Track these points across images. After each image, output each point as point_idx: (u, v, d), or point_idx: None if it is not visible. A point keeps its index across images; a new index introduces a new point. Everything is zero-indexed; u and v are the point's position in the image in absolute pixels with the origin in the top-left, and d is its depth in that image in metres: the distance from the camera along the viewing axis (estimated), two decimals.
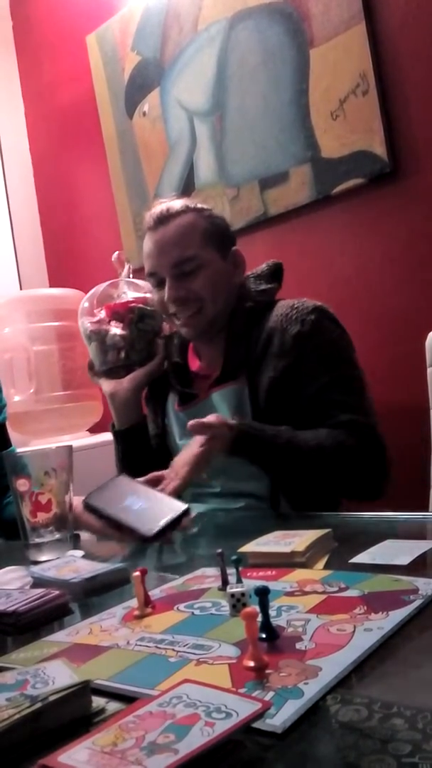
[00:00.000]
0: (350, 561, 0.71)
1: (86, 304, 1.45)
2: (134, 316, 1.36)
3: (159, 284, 1.25)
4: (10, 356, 2.16)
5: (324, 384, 1.15)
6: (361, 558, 0.71)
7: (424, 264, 1.58)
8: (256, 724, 0.39)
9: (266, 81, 1.81)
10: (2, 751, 0.40)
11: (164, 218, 1.24)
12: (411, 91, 1.57)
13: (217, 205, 1.92)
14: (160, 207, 1.26)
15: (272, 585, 0.64)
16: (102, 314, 1.39)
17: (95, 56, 2.30)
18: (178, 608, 0.63)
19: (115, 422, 1.37)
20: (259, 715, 0.39)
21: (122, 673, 0.50)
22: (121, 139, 2.24)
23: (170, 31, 2.04)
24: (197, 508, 1.20)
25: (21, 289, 2.55)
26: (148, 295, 1.39)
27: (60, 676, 0.47)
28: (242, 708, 0.39)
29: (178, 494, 0.99)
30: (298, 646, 0.51)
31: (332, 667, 0.46)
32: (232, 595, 0.59)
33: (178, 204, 1.26)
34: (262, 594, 0.52)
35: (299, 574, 0.68)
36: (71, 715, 0.43)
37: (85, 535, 1.03)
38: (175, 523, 0.92)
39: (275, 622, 0.55)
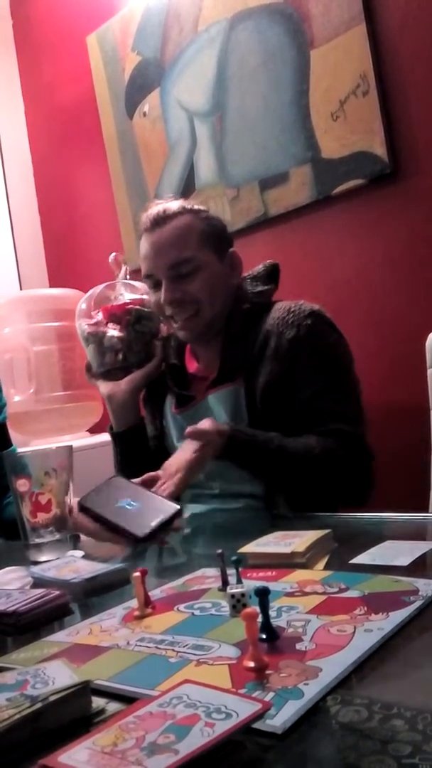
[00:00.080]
0: (350, 562, 0.71)
1: (83, 306, 1.45)
2: (131, 318, 1.36)
3: (156, 286, 1.25)
4: (10, 356, 2.16)
5: (317, 390, 1.15)
6: (362, 559, 0.71)
7: (424, 265, 1.58)
8: (257, 725, 0.39)
9: (266, 81, 1.81)
10: (2, 751, 0.40)
11: (161, 220, 1.23)
12: (411, 91, 1.58)
13: (217, 205, 1.92)
14: (156, 208, 1.26)
15: (272, 585, 0.64)
16: (99, 316, 1.39)
17: (95, 56, 2.30)
18: (178, 609, 0.63)
19: (113, 424, 1.37)
20: (259, 716, 0.39)
21: (122, 674, 0.50)
22: (121, 140, 2.24)
23: (170, 32, 2.05)
24: (196, 509, 1.20)
25: (21, 289, 2.55)
26: (145, 296, 1.39)
27: (60, 676, 0.47)
28: (242, 708, 0.39)
29: (174, 499, 0.99)
30: (298, 646, 0.51)
31: (332, 667, 0.46)
32: (233, 596, 0.59)
33: (174, 205, 1.26)
34: (262, 594, 0.52)
35: (299, 574, 0.68)
36: (71, 716, 0.43)
37: (84, 536, 1.03)
38: (167, 524, 0.92)
39: (275, 622, 0.55)
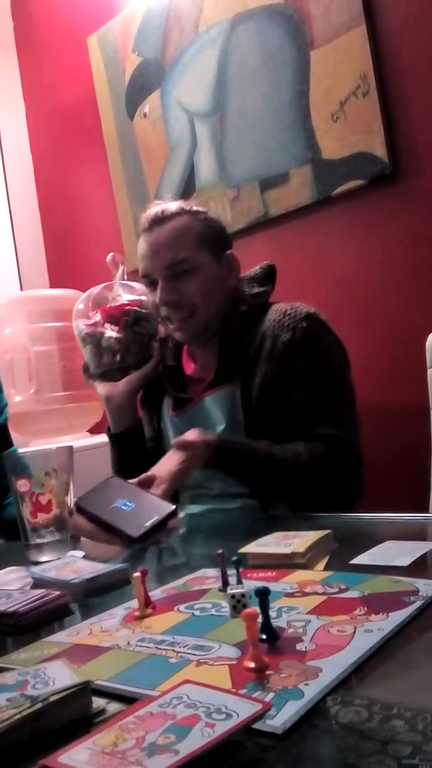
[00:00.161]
0: (350, 562, 0.71)
1: (81, 306, 1.45)
2: (129, 319, 1.36)
3: (152, 285, 1.25)
4: (11, 357, 2.16)
5: (309, 394, 1.15)
6: (362, 559, 0.71)
7: (424, 265, 1.58)
8: (257, 725, 0.39)
9: (267, 82, 1.81)
10: (3, 751, 0.40)
11: (159, 220, 1.24)
12: (411, 92, 1.58)
13: (217, 205, 1.93)
14: (155, 209, 1.26)
15: (272, 586, 0.64)
16: (97, 317, 1.39)
17: (96, 57, 2.30)
18: (178, 609, 0.63)
19: (110, 425, 1.37)
20: (260, 716, 0.39)
21: (123, 674, 0.50)
22: (121, 140, 2.24)
23: (171, 33, 2.05)
24: (195, 509, 1.20)
25: (21, 289, 2.55)
26: (143, 297, 1.39)
27: (60, 676, 0.47)
28: (242, 709, 0.39)
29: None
30: (298, 647, 0.51)
31: (332, 668, 0.46)
32: (233, 596, 0.59)
33: (173, 206, 1.26)
34: (263, 595, 0.52)
35: (299, 575, 0.68)
36: (71, 716, 0.43)
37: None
38: (162, 525, 0.92)
39: (275, 623, 0.55)
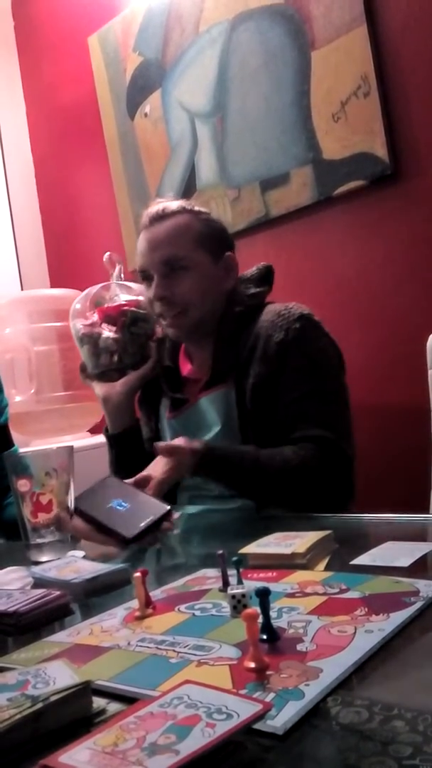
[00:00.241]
0: (351, 562, 0.71)
1: (78, 306, 1.45)
2: (127, 320, 1.36)
3: (148, 281, 1.26)
4: (11, 356, 2.16)
5: (301, 394, 1.15)
6: (362, 559, 0.71)
7: (425, 265, 1.58)
8: (257, 726, 0.39)
9: (267, 82, 1.81)
10: (3, 751, 0.40)
11: (159, 217, 1.24)
12: (412, 93, 1.58)
13: (218, 206, 1.93)
14: (156, 206, 1.26)
15: (273, 586, 0.64)
16: (94, 317, 1.39)
17: (97, 57, 2.30)
18: (178, 609, 0.63)
19: (108, 426, 1.37)
20: (260, 717, 0.39)
21: (123, 674, 0.50)
22: (122, 140, 2.24)
23: (172, 33, 2.05)
24: (194, 510, 1.20)
25: (22, 289, 2.55)
26: (140, 297, 1.39)
27: (61, 676, 0.47)
28: (243, 709, 0.39)
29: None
30: (298, 647, 0.51)
31: (333, 668, 0.46)
32: (233, 596, 0.59)
33: (174, 204, 1.26)
34: (263, 595, 0.52)
35: (300, 575, 0.68)
36: (72, 716, 0.43)
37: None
38: (156, 525, 0.92)
39: (276, 623, 0.55)
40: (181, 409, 1.28)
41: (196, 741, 0.36)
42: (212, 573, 0.73)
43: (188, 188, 2.02)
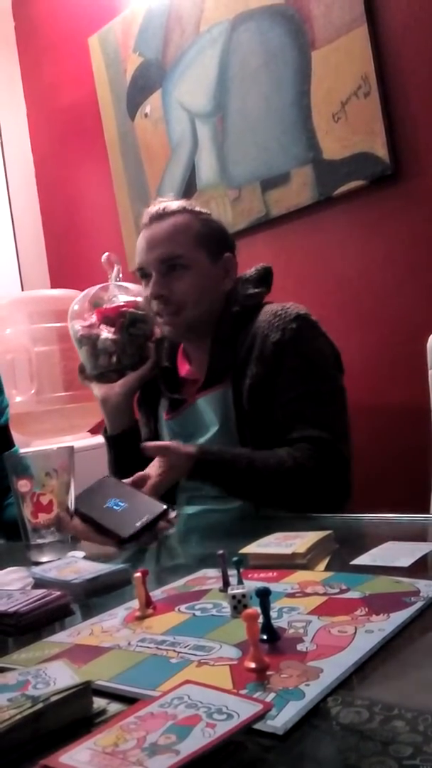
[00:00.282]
0: (351, 563, 0.71)
1: (76, 307, 1.45)
2: (125, 321, 1.36)
3: (146, 278, 1.26)
4: (12, 357, 2.16)
5: (297, 395, 1.14)
6: (362, 560, 0.71)
7: (425, 265, 1.58)
8: (257, 726, 0.39)
9: (268, 82, 1.81)
10: (4, 751, 0.40)
11: (159, 216, 1.25)
12: (413, 93, 1.58)
13: (218, 206, 1.93)
14: (157, 205, 1.27)
15: (273, 586, 0.64)
16: (93, 318, 1.39)
17: (97, 58, 2.30)
18: (179, 609, 0.63)
19: (107, 427, 1.37)
20: (260, 717, 0.39)
21: (123, 674, 0.50)
22: (122, 141, 2.24)
23: (172, 33, 2.05)
24: (192, 510, 1.20)
25: (22, 290, 2.55)
26: (138, 298, 1.39)
27: (61, 676, 0.47)
28: (243, 709, 0.39)
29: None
30: (299, 647, 0.51)
31: (333, 668, 0.46)
32: (233, 597, 0.59)
33: (175, 204, 1.27)
34: (263, 595, 0.52)
35: (300, 575, 0.68)
36: (72, 716, 0.44)
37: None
38: (152, 525, 0.92)
39: (276, 623, 0.55)
40: (179, 410, 1.28)
41: (197, 741, 0.36)
42: (212, 573, 0.73)
43: (189, 188, 2.02)
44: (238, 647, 0.52)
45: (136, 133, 2.19)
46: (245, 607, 0.57)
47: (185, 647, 0.54)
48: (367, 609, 0.56)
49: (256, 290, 1.29)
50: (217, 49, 1.92)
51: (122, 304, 1.39)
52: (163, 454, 1.06)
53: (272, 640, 0.52)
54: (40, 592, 0.69)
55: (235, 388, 1.19)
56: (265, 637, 0.52)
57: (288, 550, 0.73)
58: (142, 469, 1.08)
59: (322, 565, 0.72)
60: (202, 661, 0.51)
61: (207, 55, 1.95)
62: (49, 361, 2.15)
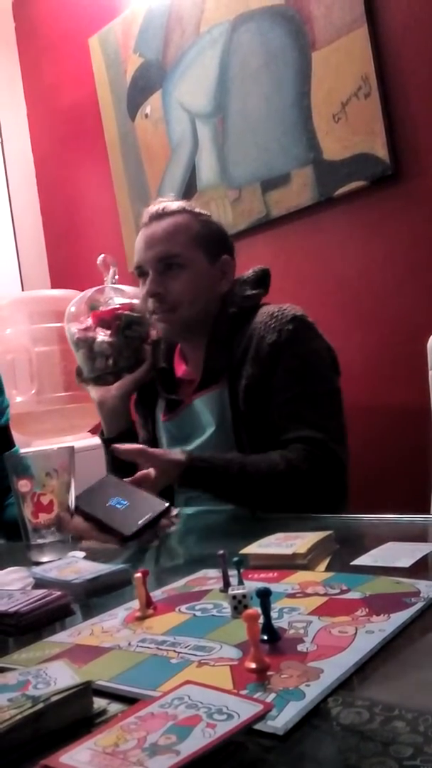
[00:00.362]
0: (352, 563, 0.71)
1: (73, 309, 1.46)
2: (121, 323, 1.36)
3: (143, 277, 1.27)
4: (12, 357, 2.17)
5: (291, 396, 1.14)
6: (363, 560, 0.71)
7: (426, 266, 1.58)
8: (258, 726, 0.39)
9: (268, 83, 1.81)
10: (4, 751, 0.40)
11: (159, 215, 1.26)
12: (413, 93, 1.58)
13: (218, 206, 1.93)
14: (157, 205, 1.28)
15: (274, 587, 0.64)
16: (89, 321, 1.40)
17: (97, 58, 2.30)
18: (179, 610, 0.63)
19: (104, 430, 1.37)
20: (261, 717, 0.39)
21: (124, 674, 0.50)
22: (123, 141, 2.24)
23: (172, 34, 2.05)
24: (190, 511, 1.20)
25: (23, 290, 2.55)
26: (134, 301, 1.40)
27: (62, 676, 0.47)
28: (244, 709, 0.39)
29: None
30: (299, 647, 0.51)
31: (334, 669, 0.46)
32: (234, 597, 0.59)
33: (175, 205, 1.28)
34: (264, 596, 0.52)
35: (301, 575, 0.68)
36: (73, 716, 0.43)
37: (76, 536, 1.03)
38: (154, 522, 0.93)
39: (277, 623, 0.55)
40: (176, 411, 1.28)
41: (197, 741, 0.36)
42: (213, 573, 0.73)
43: (189, 189, 2.02)
44: (238, 647, 0.52)
45: (136, 134, 2.19)
46: (246, 607, 0.57)
47: (186, 647, 0.54)
48: (367, 609, 0.56)
49: (254, 292, 1.29)
50: (217, 49, 1.92)
51: (118, 306, 1.40)
52: (136, 457, 1.05)
53: (273, 641, 0.52)
54: (41, 592, 0.69)
55: (231, 388, 1.19)
56: (265, 637, 0.52)
57: (288, 551, 0.73)
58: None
59: (323, 566, 0.72)
60: (202, 661, 0.51)
61: (207, 56, 1.95)
62: (49, 362, 2.15)
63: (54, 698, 0.43)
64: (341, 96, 1.66)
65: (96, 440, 2.02)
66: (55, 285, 2.58)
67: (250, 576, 0.69)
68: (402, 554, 0.70)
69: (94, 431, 2.23)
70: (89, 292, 1.48)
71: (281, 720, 0.40)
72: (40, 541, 0.95)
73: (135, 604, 0.65)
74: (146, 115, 2.16)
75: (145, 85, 2.15)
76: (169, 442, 1.29)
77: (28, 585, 0.79)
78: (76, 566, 0.79)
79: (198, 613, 0.62)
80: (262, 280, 1.32)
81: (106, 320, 1.38)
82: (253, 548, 0.76)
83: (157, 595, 0.69)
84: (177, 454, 1.08)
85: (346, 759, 0.37)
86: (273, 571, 0.70)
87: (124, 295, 1.44)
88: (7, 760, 0.40)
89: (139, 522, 0.91)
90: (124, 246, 2.21)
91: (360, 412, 1.63)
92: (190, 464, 1.05)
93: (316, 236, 1.78)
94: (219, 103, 1.94)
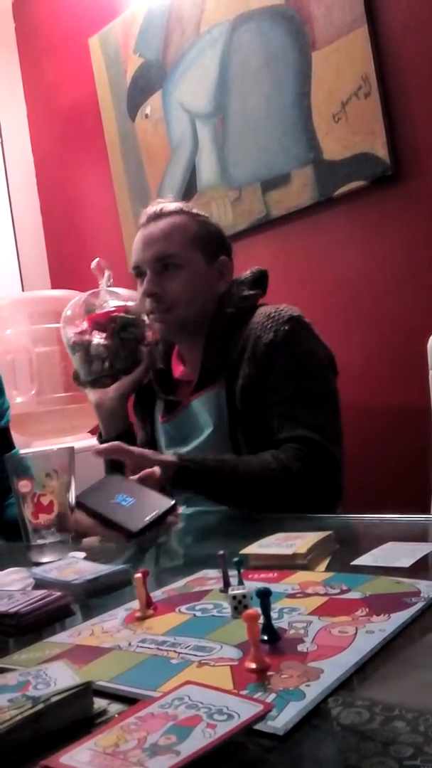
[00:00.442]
0: (352, 563, 0.71)
1: (68, 313, 1.46)
2: (116, 326, 1.37)
3: (141, 277, 1.27)
4: (12, 357, 2.17)
5: (286, 396, 1.14)
6: (363, 560, 0.71)
7: (426, 266, 1.58)
8: (258, 726, 0.39)
9: (268, 83, 1.81)
10: (4, 751, 0.40)
11: (156, 216, 1.26)
12: (413, 93, 1.58)
13: (219, 206, 1.93)
14: (155, 206, 1.28)
15: (274, 587, 0.64)
16: (84, 325, 1.40)
17: (98, 58, 2.30)
18: (179, 610, 0.63)
19: (101, 432, 1.37)
20: (261, 717, 0.39)
21: (124, 675, 0.50)
22: (123, 142, 2.24)
23: (172, 34, 2.05)
24: (192, 511, 1.20)
25: (23, 290, 2.55)
26: (129, 303, 1.40)
27: (62, 677, 0.47)
28: (244, 710, 0.39)
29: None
30: (299, 648, 0.51)
31: (334, 669, 0.46)
32: (234, 597, 0.59)
33: (172, 205, 1.28)
34: (264, 596, 0.52)
35: (301, 576, 0.68)
36: (73, 717, 0.43)
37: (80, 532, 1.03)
38: (161, 519, 0.93)
39: (277, 624, 0.55)
40: (174, 412, 1.28)
41: (197, 741, 0.36)
42: (213, 574, 0.73)
43: (189, 189, 2.02)
44: (238, 648, 0.52)
45: (136, 134, 2.19)
46: (246, 607, 0.57)
47: (186, 648, 0.54)
48: (367, 609, 0.56)
49: (251, 292, 1.29)
50: (217, 49, 1.92)
51: (113, 309, 1.40)
52: (117, 454, 1.05)
53: (273, 641, 0.52)
54: (41, 592, 0.69)
55: (228, 389, 1.20)
56: (265, 637, 0.52)
57: (288, 551, 0.73)
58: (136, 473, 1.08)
59: (323, 566, 0.72)
60: (202, 661, 0.51)
61: (207, 56, 1.95)
62: (49, 362, 2.15)
63: (54, 699, 0.43)
64: (341, 96, 1.66)
65: (96, 441, 2.03)
66: (55, 285, 2.58)
67: (250, 576, 0.69)
68: (402, 554, 0.70)
69: (94, 432, 2.23)
70: (84, 295, 1.48)
71: (281, 720, 0.40)
72: (40, 541, 0.95)
73: (135, 604, 0.65)
74: (146, 116, 2.16)
75: (145, 85, 2.15)
76: (167, 444, 1.29)
77: (28, 585, 0.79)
78: (77, 567, 0.79)
79: (198, 614, 0.62)
80: (260, 281, 1.33)
81: (101, 323, 1.38)
82: (253, 548, 0.76)
83: (157, 595, 0.69)
84: (167, 456, 1.08)
85: (347, 759, 0.37)
86: (273, 571, 0.70)
87: (119, 298, 1.44)
88: (7, 760, 0.40)
89: (146, 519, 0.92)
90: (124, 246, 2.21)
91: (360, 412, 1.63)
92: (181, 465, 1.05)
93: (316, 236, 1.78)
94: (219, 103, 1.94)
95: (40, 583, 0.77)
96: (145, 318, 1.38)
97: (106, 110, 2.29)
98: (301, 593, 0.63)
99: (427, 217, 1.58)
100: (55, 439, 2.10)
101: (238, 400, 1.17)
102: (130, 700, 0.46)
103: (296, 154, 1.76)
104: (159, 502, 0.95)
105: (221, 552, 0.67)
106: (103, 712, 0.45)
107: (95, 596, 0.73)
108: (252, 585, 0.63)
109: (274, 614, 0.56)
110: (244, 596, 0.58)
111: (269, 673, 0.47)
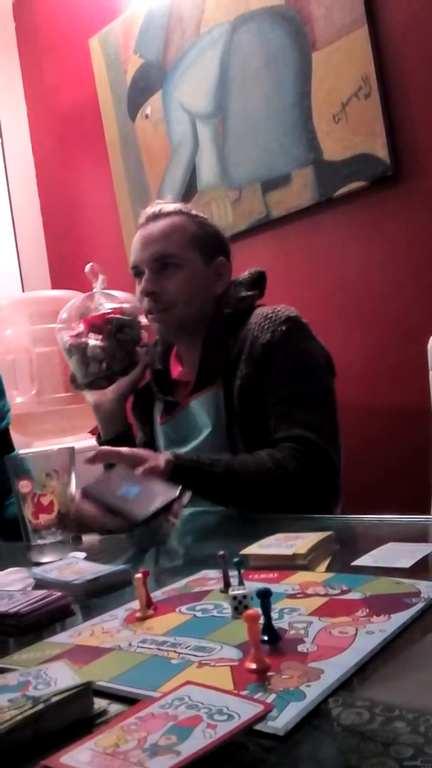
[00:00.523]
0: (352, 563, 0.71)
1: (64, 316, 1.46)
2: (112, 327, 1.37)
3: (139, 276, 1.27)
4: (13, 358, 2.17)
5: (283, 396, 1.14)
6: (363, 560, 0.71)
7: (426, 266, 1.58)
8: (258, 726, 0.39)
9: (268, 84, 1.81)
10: (5, 751, 0.40)
11: (155, 216, 1.27)
12: (413, 94, 1.58)
13: (219, 207, 1.93)
14: (154, 207, 1.29)
15: (274, 587, 0.64)
16: (80, 328, 1.41)
17: (98, 59, 2.30)
18: (180, 610, 0.63)
19: (100, 433, 1.37)
20: (261, 717, 0.39)
21: (124, 675, 0.50)
22: (123, 142, 2.24)
23: (173, 34, 2.05)
24: (192, 511, 1.20)
25: (23, 290, 2.56)
26: (125, 305, 1.40)
27: (62, 677, 0.47)
28: (244, 710, 0.39)
29: None
30: (299, 648, 0.51)
31: (334, 669, 0.46)
32: (234, 597, 0.59)
33: (171, 206, 1.29)
34: (264, 596, 0.52)
35: (301, 576, 0.68)
36: (73, 717, 0.43)
37: (87, 537, 1.03)
38: (166, 508, 0.94)
39: (277, 624, 0.55)
40: (172, 413, 1.28)
41: (197, 742, 0.36)
42: (213, 574, 0.73)
43: (189, 189, 2.02)
44: (238, 648, 0.52)
45: (136, 134, 2.20)
46: (246, 608, 0.57)
47: (186, 648, 0.54)
48: (367, 610, 0.56)
49: (249, 293, 1.29)
50: (217, 50, 1.92)
51: (108, 311, 1.40)
52: (107, 458, 1.06)
53: (273, 641, 0.52)
54: (41, 592, 0.69)
55: (226, 389, 1.20)
56: (265, 638, 0.52)
57: (289, 551, 0.73)
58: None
59: (323, 566, 0.72)
60: (202, 662, 0.51)
61: (207, 57, 1.95)
62: (49, 362, 2.15)
63: (54, 699, 0.43)
64: (341, 96, 1.66)
65: (96, 441, 2.03)
66: (55, 285, 2.58)
67: (250, 576, 0.69)
68: (402, 555, 0.70)
69: (94, 432, 2.23)
70: (79, 299, 1.49)
71: (282, 720, 0.40)
72: (40, 541, 0.95)
73: (135, 604, 0.65)
74: (146, 116, 2.16)
75: (145, 85, 2.15)
76: (166, 445, 1.29)
77: (28, 586, 0.79)
78: (77, 567, 0.79)
79: (198, 614, 0.62)
80: (258, 282, 1.33)
81: (97, 325, 1.39)
82: (254, 549, 0.76)
83: (157, 595, 0.69)
84: (162, 455, 1.08)
85: (347, 759, 0.37)
86: (273, 571, 0.70)
87: (114, 301, 1.45)
88: (7, 760, 0.40)
89: (151, 507, 0.93)
90: (124, 246, 2.22)
91: (360, 413, 1.63)
92: (177, 463, 1.05)
93: (316, 237, 1.78)
94: (219, 103, 1.94)
95: (40, 583, 0.77)
96: (141, 319, 1.39)
97: (107, 110, 2.29)
98: (302, 594, 0.63)
99: (427, 217, 1.58)
100: (55, 439, 2.10)
101: (236, 401, 1.17)
102: (130, 701, 0.46)
103: (296, 154, 1.76)
104: (165, 491, 0.97)
105: (221, 552, 0.67)
106: (104, 712, 0.45)
107: (95, 596, 0.73)
108: (252, 585, 0.63)
109: (274, 615, 0.56)
110: (244, 596, 0.58)
111: (269, 673, 0.47)
